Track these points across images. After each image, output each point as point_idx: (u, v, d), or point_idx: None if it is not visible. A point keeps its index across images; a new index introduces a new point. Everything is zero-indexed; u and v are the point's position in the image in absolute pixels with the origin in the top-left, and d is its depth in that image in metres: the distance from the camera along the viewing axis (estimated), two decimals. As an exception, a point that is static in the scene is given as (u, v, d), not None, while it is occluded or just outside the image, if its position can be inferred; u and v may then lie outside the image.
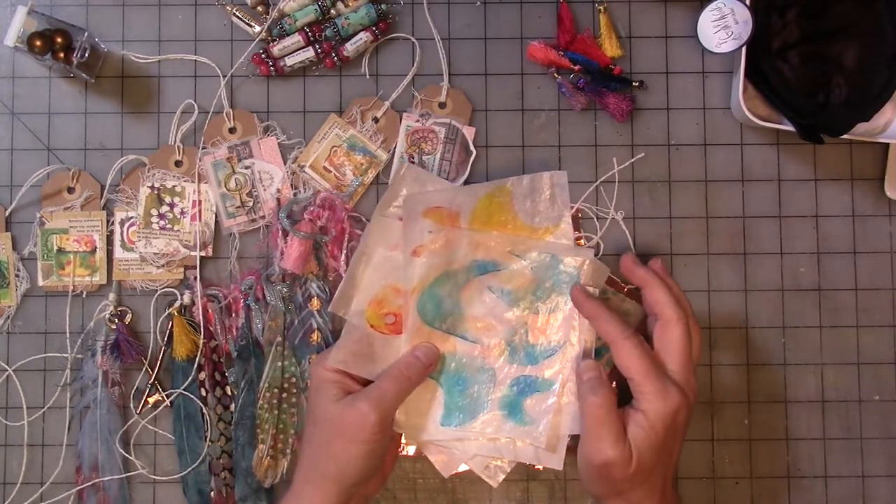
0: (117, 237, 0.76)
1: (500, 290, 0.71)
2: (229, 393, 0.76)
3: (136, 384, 0.76)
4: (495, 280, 0.71)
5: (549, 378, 0.70)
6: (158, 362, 0.75)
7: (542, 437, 0.69)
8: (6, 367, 0.76)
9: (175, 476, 0.75)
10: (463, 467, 0.73)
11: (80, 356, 0.76)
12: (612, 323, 0.65)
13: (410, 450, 0.75)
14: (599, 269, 0.72)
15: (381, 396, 0.66)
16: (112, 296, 0.76)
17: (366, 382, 0.69)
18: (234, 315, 0.76)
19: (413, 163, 0.76)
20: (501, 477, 0.72)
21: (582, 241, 0.76)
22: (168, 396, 0.75)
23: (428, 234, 0.72)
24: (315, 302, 0.76)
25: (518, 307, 0.71)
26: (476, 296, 0.72)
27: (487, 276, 0.72)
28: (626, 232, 0.77)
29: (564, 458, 0.70)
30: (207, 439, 0.75)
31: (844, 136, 0.73)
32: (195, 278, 0.75)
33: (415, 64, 0.77)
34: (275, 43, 0.76)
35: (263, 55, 0.76)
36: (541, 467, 0.72)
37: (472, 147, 0.77)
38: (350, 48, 0.76)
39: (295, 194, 0.76)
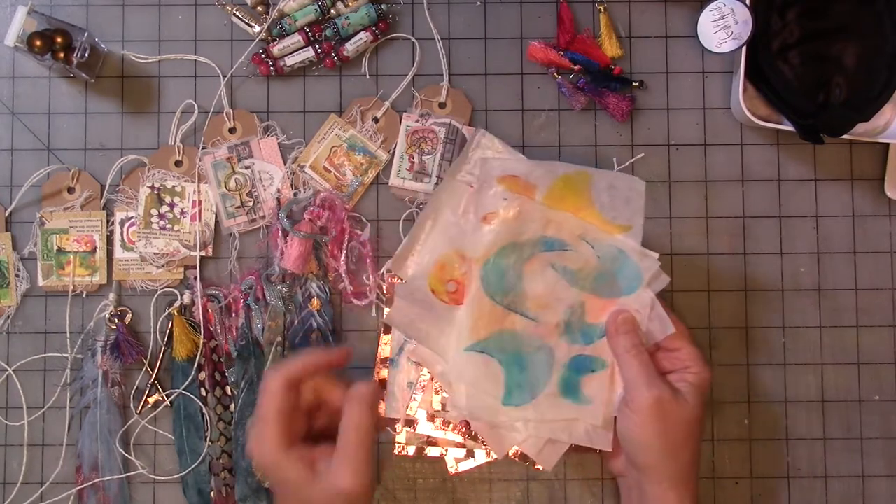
0: (117, 237, 0.76)
1: (562, 269, 0.71)
2: (229, 393, 0.76)
3: (136, 384, 0.76)
4: (560, 259, 0.71)
5: (604, 358, 0.70)
6: (158, 362, 0.75)
7: (598, 416, 0.69)
8: (6, 367, 0.76)
9: (175, 476, 0.75)
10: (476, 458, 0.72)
11: (80, 356, 0.76)
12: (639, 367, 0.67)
13: (410, 450, 0.75)
14: (661, 277, 0.71)
15: (358, 469, 0.62)
16: (112, 296, 0.76)
17: (301, 435, 0.66)
18: (234, 315, 0.76)
19: (413, 162, 0.76)
20: (555, 461, 0.71)
21: None
22: (168, 396, 0.75)
23: (503, 201, 0.70)
24: (315, 302, 0.76)
25: (578, 286, 0.70)
26: (539, 271, 0.71)
27: (553, 253, 0.71)
28: (626, 232, 0.77)
29: (559, 460, 0.71)
30: (207, 439, 0.75)
31: (844, 136, 0.73)
32: (195, 278, 0.75)
33: (415, 64, 0.77)
34: (275, 43, 0.76)
35: (263, 55, 0.76)
36: (541, 467, 0.72)
37: (472, 147, 0.77)
38: (350, 48, 0.76)
39: (295, 194, 0.76)
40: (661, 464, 0.66)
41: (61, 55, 0.73)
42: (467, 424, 0.74)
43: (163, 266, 0.76)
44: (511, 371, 0.70)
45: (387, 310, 0.76)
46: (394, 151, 0.77)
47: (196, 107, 0.77)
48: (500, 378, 0.70)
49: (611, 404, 0.70)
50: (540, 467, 0.72)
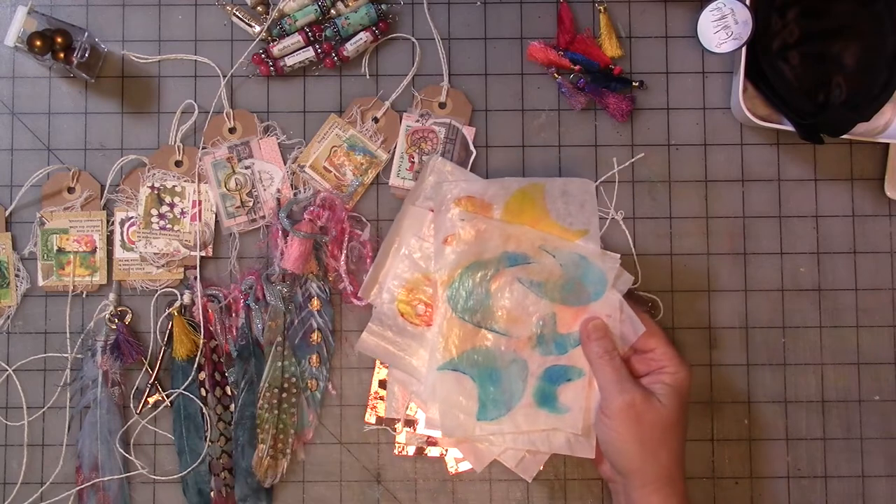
0: (117, 237, 0.76)
1: (529, 282, 0.71)
2: (229, 393, 0.76)
3: (136, 384, 0.76)
4: (524, 273, 0.71)
5: (580, 367, 0.71)
6: (158, 362, 0.75)
7: (577, 424, 0.70)
8: (6, 367, 0.76)
9: (175, 476, 0.75)
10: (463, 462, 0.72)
11: (80, 356, 0.76)
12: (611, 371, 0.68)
13: (410, 450, 0.75)
14: (624, 276, 0.72)
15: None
16: (112, 296, 0.76)
17: None
18: (234, 315, 0.76)
19: (413, 162, 0.76)
20: (535, 471, 0.72)
21: None
22: (168, 396, 0.75)
23: (461, 222, 0.72)
24: (315, 302, 0.76)
25: (547, 298, 0.71)
26: (506, 287, 0.71)
27: (517, 268, 0.72)
28: (626, 232, 0.77)
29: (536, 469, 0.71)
30: (207, 439, 0.75)
31: (844, 136, 0.73)
32: (195, 278, 0.75)
33: (415, 64, 0.77)
34: (275, 43, 0.76)
35: (263, 55, 0.76)
36: (541, 467, 0.72)
37: (472, 147, 0.77)
38: (350, 48, 0.76)
39: (295, 194, 0.76)
40: (641, 467, 0.66)
41: (61, 55, 0.73)
42: None
43: (163, 266, 0.76)
44: (485, 386, 0.71)
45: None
46: (394, 151, 0.77)
47: (196, 107, 0.77)
48: (474, 394, 0.71)
49: (590, 411, 0.70)
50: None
